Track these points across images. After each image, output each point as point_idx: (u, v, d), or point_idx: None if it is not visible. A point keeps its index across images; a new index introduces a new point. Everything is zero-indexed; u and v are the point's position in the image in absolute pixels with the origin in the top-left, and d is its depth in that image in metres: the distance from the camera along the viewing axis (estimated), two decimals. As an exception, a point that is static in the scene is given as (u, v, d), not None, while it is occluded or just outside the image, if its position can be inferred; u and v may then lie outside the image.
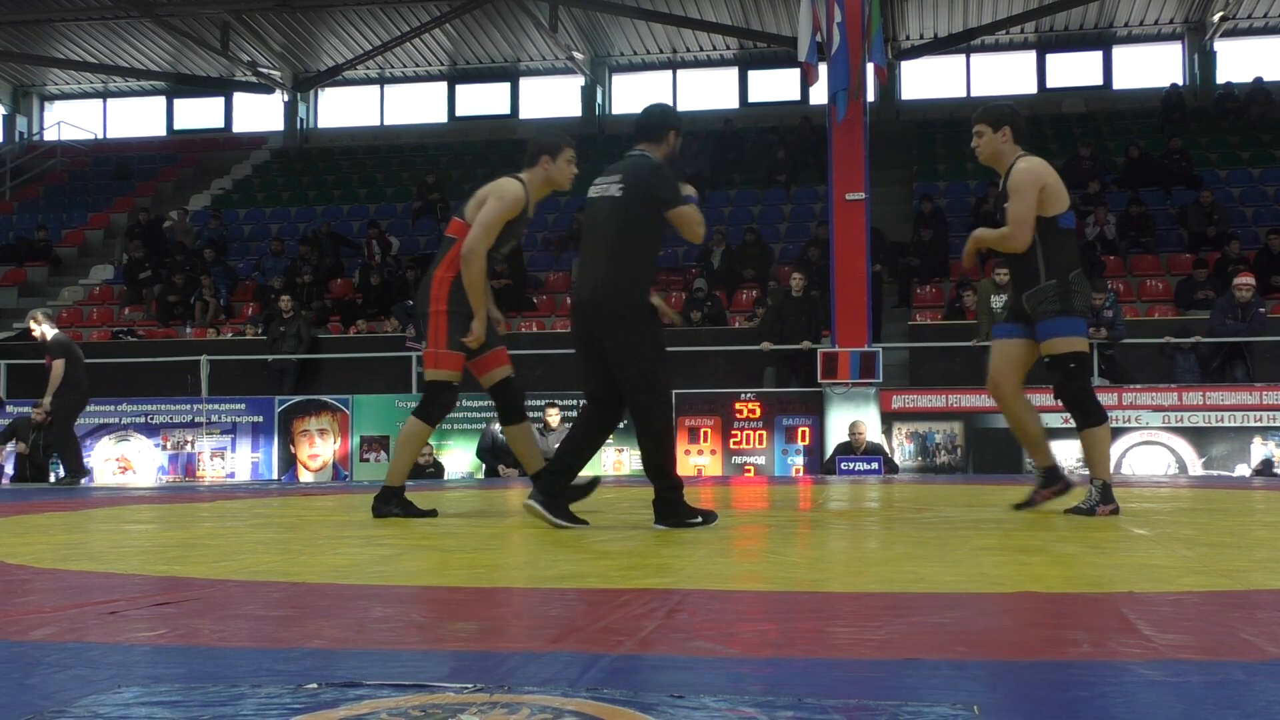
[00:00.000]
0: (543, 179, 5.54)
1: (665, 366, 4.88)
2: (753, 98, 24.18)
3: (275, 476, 13.83)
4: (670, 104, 5.27)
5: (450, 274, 5.44)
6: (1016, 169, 5.34)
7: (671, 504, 4.81)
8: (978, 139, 5.52)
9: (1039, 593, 2.94)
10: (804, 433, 12.91)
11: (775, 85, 24.00)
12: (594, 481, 5.84)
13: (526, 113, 25.03)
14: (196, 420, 14.24)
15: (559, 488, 4.90)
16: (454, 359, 5.46)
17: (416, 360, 14.37)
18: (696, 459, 13.05)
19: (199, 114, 26.46)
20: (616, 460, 13.18)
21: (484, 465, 12.80)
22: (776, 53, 22.56)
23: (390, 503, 5.51)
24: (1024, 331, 5.43)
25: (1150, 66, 22.97)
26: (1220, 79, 21.85)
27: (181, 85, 25.34)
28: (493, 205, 5.39)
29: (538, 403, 12.36)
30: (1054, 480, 5.58)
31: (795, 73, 21.36)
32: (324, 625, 2.56)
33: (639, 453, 4.90)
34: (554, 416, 12.50)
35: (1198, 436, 12.07)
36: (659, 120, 5.05)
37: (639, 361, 4.79)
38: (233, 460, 14.16)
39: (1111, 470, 5.41)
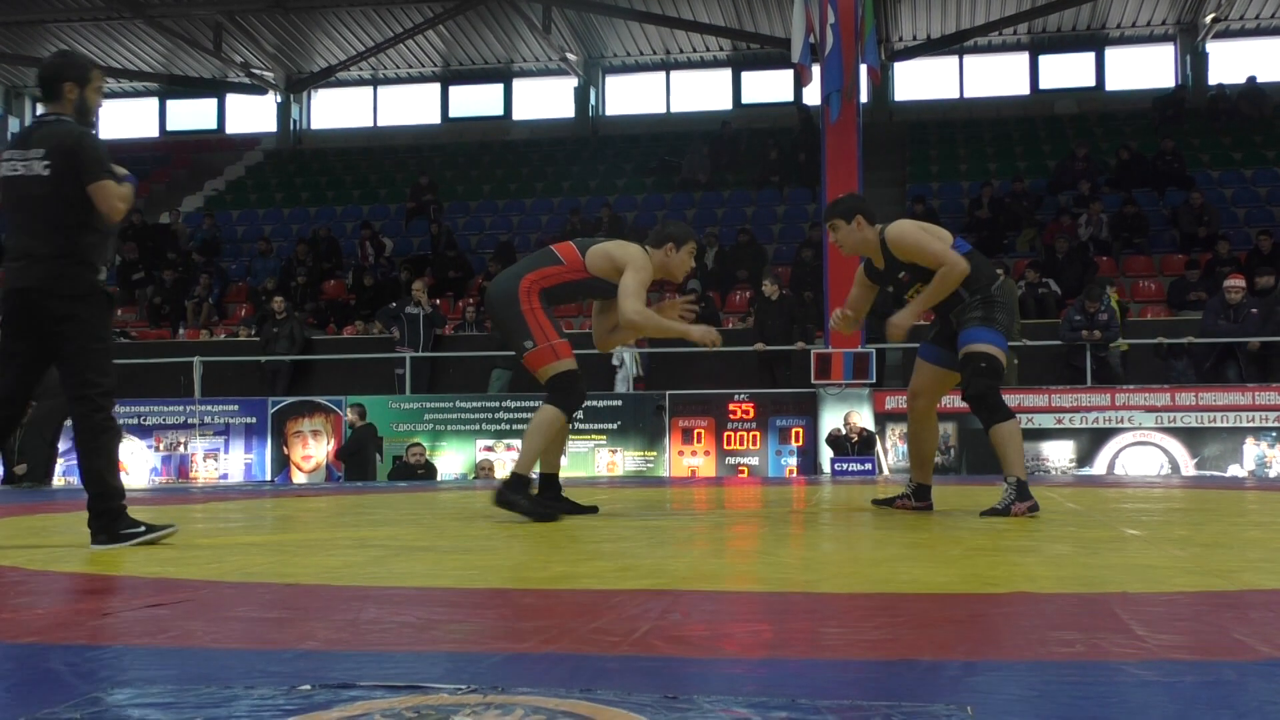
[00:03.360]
0: (660, 263, 5.51)
1: (111, 359, 4.50)
2: (746, 99, 24.20)
3: (268, 478, 13.82)
4: (73, 53, 4.71)
5: (542, 284, 5.42)
6: (893, 235, 5.42)
7: (111, 514, 4.36)
8: (834, 234, 5.58)
9: (1032, 593, 2.94)
10: (797, 433, 12.93)
11: (769, 86, 24.02)
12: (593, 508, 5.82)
13: (520, 114, 25.03)
14: (189, 422, 14.22)
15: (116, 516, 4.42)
16: (567, 347, 5.41)
17: (409, 363, 14.36)
18: (690, 459, 13.06)
19: (192, 115, 26.42)
20: (610, 462, 13.18)
21: (345, 469, 13.21)
22: (770, 54, 22.59)
23: (518, 492, 5.34)
24: (946, 359, 5.57)
25: (1143, 68, 23.02)
26: (1212, 80, 21.91)
27: (174, 86, 25.31)
28: (633, 278, 5.37)
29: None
30: (923, 497, 5.80)
31: (789, 74, 21.38)
32: (317, 627, 2.55)
33: (79, 456, 4.46)
34: (352, 414, 13.33)
35: (1190, 437, 12.10)
36: (53, 73, 4.51)
37: (93, 352, 4.42)
38: (226, 461, 14.14)
39: (1025, 467, 5.42)
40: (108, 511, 4.36)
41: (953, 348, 5.47)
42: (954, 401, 12.49)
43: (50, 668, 2.10)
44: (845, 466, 12.05)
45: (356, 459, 13.14)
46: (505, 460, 13.37)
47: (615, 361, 13.76)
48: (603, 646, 2.23)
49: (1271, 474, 11.75)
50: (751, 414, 13.01)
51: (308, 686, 1.86)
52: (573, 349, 5.47)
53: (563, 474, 5.88)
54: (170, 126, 26.45)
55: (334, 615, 2.72)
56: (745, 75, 24.27)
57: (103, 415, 4.44)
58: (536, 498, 5.42)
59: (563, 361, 5.39)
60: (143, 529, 4.41)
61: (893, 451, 12.55)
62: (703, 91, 24.41)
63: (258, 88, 24.57)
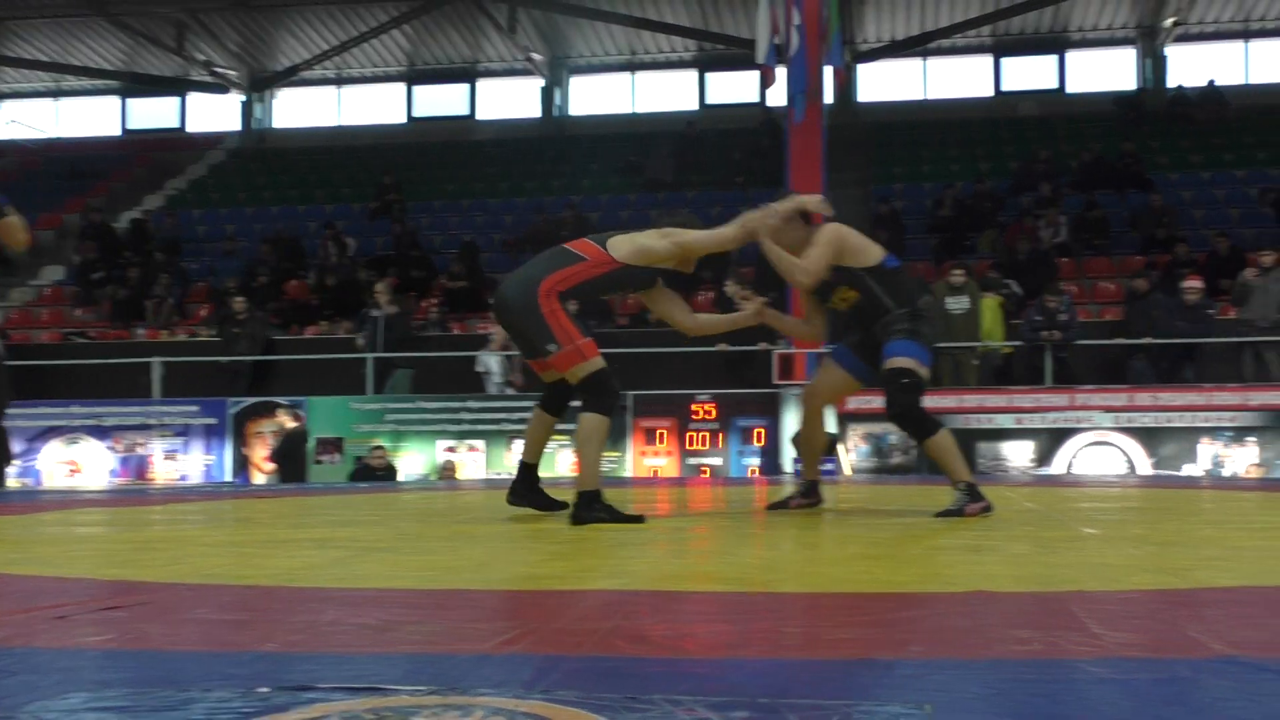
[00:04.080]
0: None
1: None
2: (711, 99, 24.25)
3: (228, 479, 13.72)
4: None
5: (561, 286, 5.29)
6: (820, 232, 5.44)
7: None
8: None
9: (991, 592, 2.96)
10: (760, 434, 12.95)
11: (734, 87, 24.09)
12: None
13: (484, 114, 24.99)
14: (148, 422, 14.10)
15: None
16: (593, 345, 5.31)
17: (373, 362, 14.29)
18: (653, 460, 13.06)
19: (153, 114, 26.23)
20: (574, 462, 13.16)
21: (280, 468, 13.25)
22: (735, 55, 22.63)
23: (593, 508, 5.18)
24: (857, 367, 5.60)
25: (1104, 70, 23.25)
26: (1171, 83, 22.16)
27: (135, 85, 25.11)
28: (693, 234, 5.43)
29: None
30: (812, 493, 5.88)
31: (754, 75, 21.40)
32: (276, 629, 2.54)
33: None
34: (285, 415, 13.44)
35: (1147, 437, 12.22)
36: None
37: None
38: (185, 462, 14.03)
39: (970, 470, 5.39)
40: None
41: (865, 358, 5.50)
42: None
43: (5, 672, 2.08)
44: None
45: (290, 460, 13.15)
46: (467, 461, 13.33)
47: (480, 368, 13.99)
48: (564, 647, 2.23)
49: (1226, 473, 11.89)
50: (714, 414, 13.02)
51: (266, 689, 1.85)
52: (598, 348, 5.38)
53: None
54: (131, 125, 26.24)
55: (293, 617, 2.71)
56: (710, 76, 24.32)
57: None
58: (611, 506, 5.24)
59: (591, 361, 5.26)
60: None
61: (855, 451, 12.60)
62: (668, 92, 24.45)
63: (220, 86, 24.41)
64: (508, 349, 13.72)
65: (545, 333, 5.23)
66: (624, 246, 5.37)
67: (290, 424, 13.30)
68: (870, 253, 5.44)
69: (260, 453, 13.89)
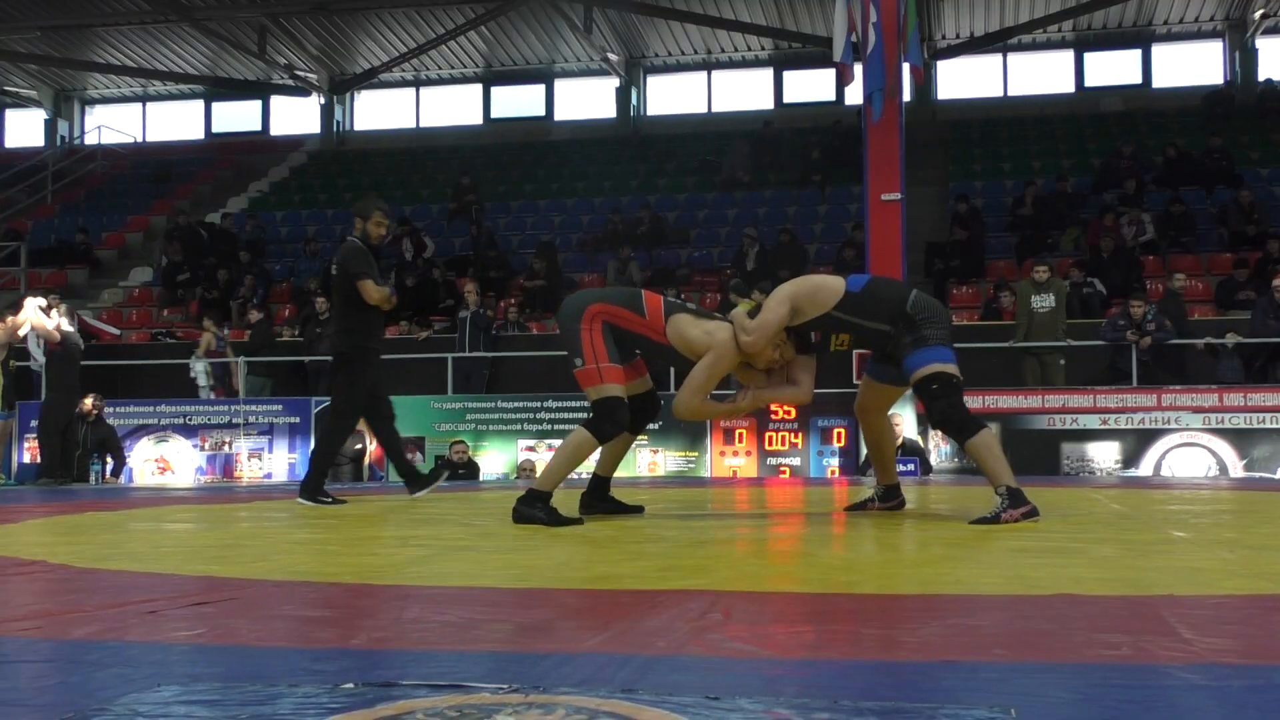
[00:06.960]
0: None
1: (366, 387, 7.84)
2: (788, 98, 24.14)
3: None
4: (368, 197, 7.76)
5: (610, 319, 5.36)
6: (769, 297, 5.38)
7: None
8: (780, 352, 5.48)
9: (1077, 595, 2.91)
10: (839, 434, 12.87)
11: (810, 86, 23.95)
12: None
13: (561, 114, 25.09)
14: (234, 421, 14.34)
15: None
16: (617, 372, 5.32)
17: (451, 363, 14.41)
18: (732, 460, 13.04)
19: (236, 117, 26.65)
20: (651, 461, 13.18)
21: None
22: (811, 53, 22.51)
23: (535, 506, 5.25)
24: (890, 375, 5.57)
25: (1190, 64, 22.77)
26: (1261, 76, 21.66)
27: (219, 89, 25.55)
28: (704, 372, 5.36)
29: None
30: (892, 497, 5.86)
31: (830, 73, 21.30)
32: (361, 626, 2.57)
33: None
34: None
35: (1239, 438, 11.95)
36: (353, 210, 7.72)
37: (342, 395, 7.66)
38: (270, 461, 14.26)
39: (1013, 475, 5.13)
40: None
41: (895, 364, 5.40)
42: (998, 402, 12.47)
43: (99, 664, 2.13)
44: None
45: None
46: (547, 460, 13.39)
47: (191, 374, 14.61)
48: (644, 647, 2.23)
49: (1322, 476, 11.60)
50: (793, 414, 12.95)
51: (351, 685, 1.88)
52: (624, 375, 5.37)
53: (603, 475, 5.88)
54: (215, 128, 26.70)
55: (377, 614, 2.74)
56: (787, 74, 24.21)
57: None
58: (553, 509, 5.26)
59: (607, 386, 5.28)
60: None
61: (935, 452, 12.47)
62: (744, 91, 24.38)
63: (301, 89, 24.75)
64: (214, 355, 14.58)
65: (575, 347, 5.34)
66: (678, 329, 5.39)
67: None
68: (829, 291, 5.32)
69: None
